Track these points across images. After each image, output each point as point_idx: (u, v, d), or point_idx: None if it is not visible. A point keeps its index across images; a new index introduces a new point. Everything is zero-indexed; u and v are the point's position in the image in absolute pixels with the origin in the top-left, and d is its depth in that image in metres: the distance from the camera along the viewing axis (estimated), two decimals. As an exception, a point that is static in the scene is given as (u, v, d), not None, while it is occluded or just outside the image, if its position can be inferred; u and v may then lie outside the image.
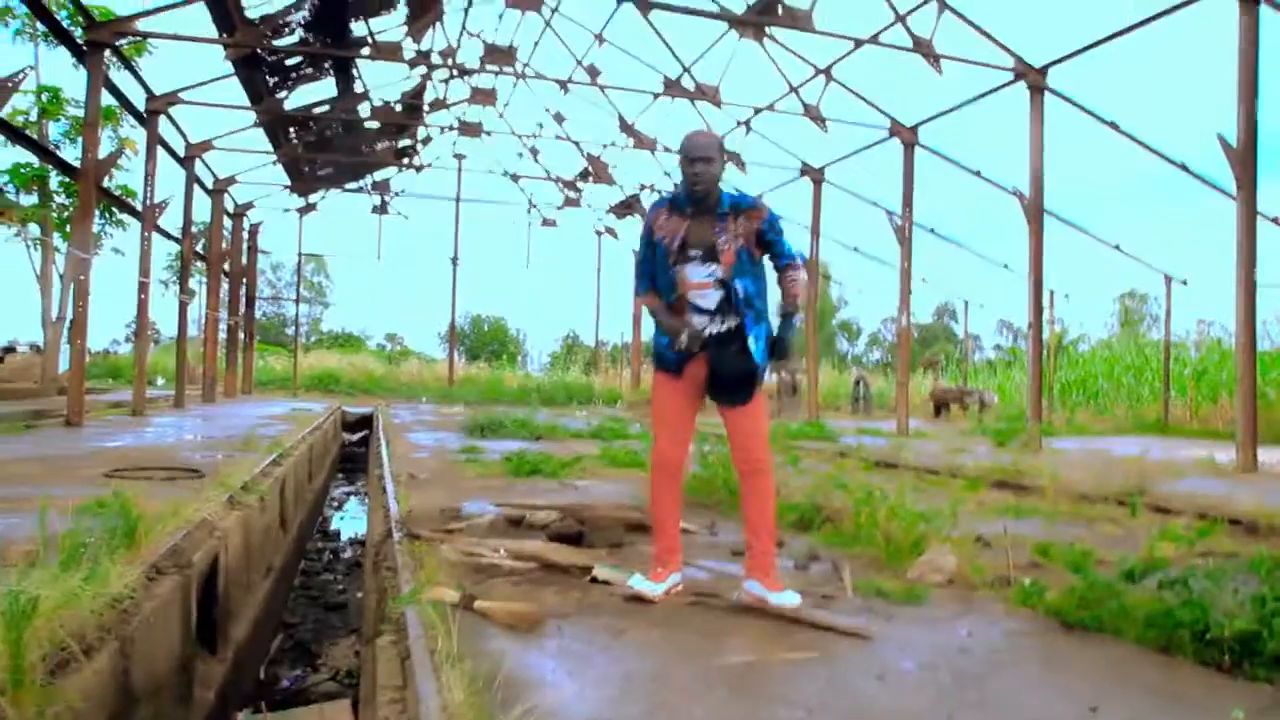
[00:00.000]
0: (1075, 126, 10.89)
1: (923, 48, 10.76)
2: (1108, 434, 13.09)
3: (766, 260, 3.50)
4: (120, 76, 11.85)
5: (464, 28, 14.88)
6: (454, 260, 22.01)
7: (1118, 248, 13.75)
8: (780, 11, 11.11)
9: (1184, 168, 10.69)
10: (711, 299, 3.42)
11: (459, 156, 20.93)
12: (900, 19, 10.84)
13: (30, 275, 16.67)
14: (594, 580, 3.55)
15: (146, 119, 11.28)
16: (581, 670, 2.55)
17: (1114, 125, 10.53)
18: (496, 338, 46.37)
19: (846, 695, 2.40)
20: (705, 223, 3.43)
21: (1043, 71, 10.38)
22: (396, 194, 20.94)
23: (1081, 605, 2.97)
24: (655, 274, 3.56)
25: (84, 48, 9.26)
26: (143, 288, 11.19)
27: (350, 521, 10.40)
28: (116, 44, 9.81)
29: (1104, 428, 14.27)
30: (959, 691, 2.42)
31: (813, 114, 13.46)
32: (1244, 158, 8.02)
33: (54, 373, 14.80)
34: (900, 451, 8.70)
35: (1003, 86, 10.93)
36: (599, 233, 23.40)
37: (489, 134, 18.79)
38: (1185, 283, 14.31)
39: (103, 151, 10.20)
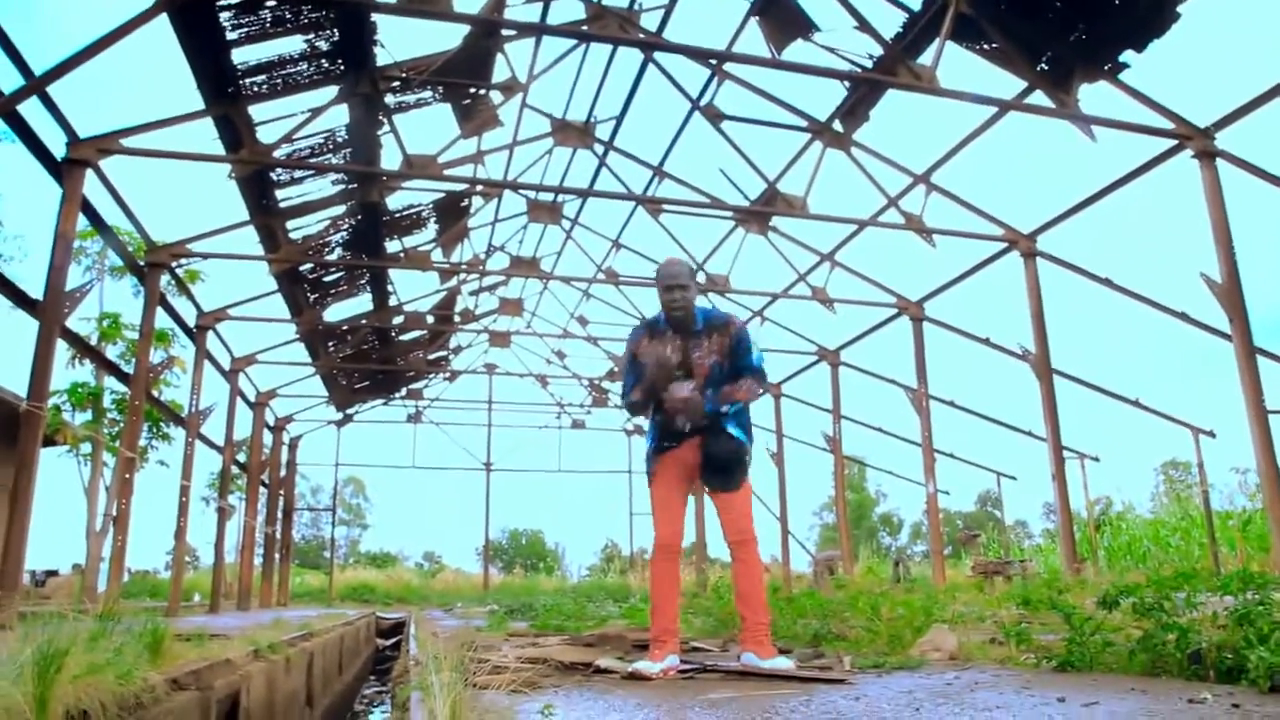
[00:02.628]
0: (1074, 288, 11.31)
1: (914, 224, 11.42)
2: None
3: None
4: (175, 302, 12.85)
5: (490, 242, 16.05)
6: (487, 466, 22.46)
7: (1138, 403, 13.83)
8: (778, 202, 11.97)
9: (1184, 316, 10.95)
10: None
11: (490, 366, 21.83)
12: (893, 202, 11.58)
13: (78, 492, 17.39)
14: (597, 671, 3.61)
15: (195, 334, 12.13)
16: (566, 708, 2.63)
17: (1107, 281, 10.94)
18: (534, 551, 46.03)
19: (824, 711, 2.45)
20: (682, 342, 3.80)
21: (1032, 238, 10.92)
22: (430, 403, 21.73)
23: (1070, 644, 3.01)
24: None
25: (144, 269, 10.18)
26: (184, 490, 11.62)
27: (381, 718, 10.19)
28: (173, 265, 10.76)
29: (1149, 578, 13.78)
30: (929, 699, 2.47)
31: (820, 297, 14.09)
32: (1230, 293, 8.32)
33: (93, 589, 15.03)
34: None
35: (997, 256, 11.46)
36: (628, 431, 23.85)
37: (517, 340, 19.74)
38: (1213, 434, 14.25)
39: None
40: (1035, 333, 10.77)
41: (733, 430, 3.77)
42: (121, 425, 15.76)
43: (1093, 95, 8.56)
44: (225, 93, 8.47)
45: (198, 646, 4.31)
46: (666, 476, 3.83)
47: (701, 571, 21.62)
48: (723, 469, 3.74)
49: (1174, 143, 8.42)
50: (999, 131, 9.58)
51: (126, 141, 7.96)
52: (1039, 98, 8.70)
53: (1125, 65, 8.27)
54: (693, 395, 3.74)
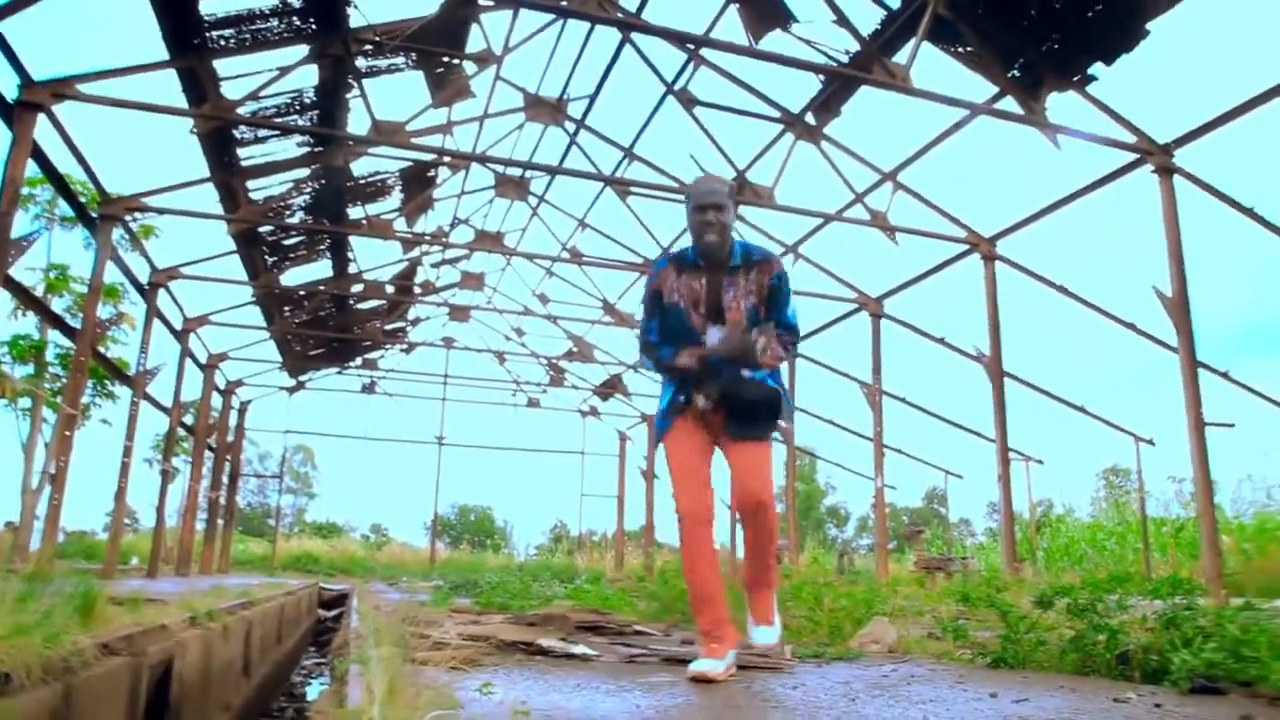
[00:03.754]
0: (1031, 292, 11.48)
1: (879, 221, 11.51)
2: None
3: None
4: (128, 258, 12.55)
5: (455, 214, 15.89)
6: (440, 440, 22.32)
7: (1084, 410, 14.14)
8: (746, 191, 12.00)
9: (1133, 327, 11.21)
10: None
11: (447, 340, 21.66)
12: (859, 198, 11.65)
13: (14, 448, 16.97)
14: (539, 650, 3.61)
15: (147, 290, 11.86)
16: (506, 687, 2.63)
17: (1062, 288, 11.15)
18: (483, 528, 45.93)
19: (761, 696, 2.48)
20: (715, 278, 3.15)
21: (993, 241, 11.07)
22: (385, 374, 21.52)
23: (1005, 642, 3.07)
24: (666, 348, 3.24)
25: (96, 221, 9.92)
26: (127, 451, 11.38)
27: (319, 688, 10.11)
28: (127, 219, 10.50)
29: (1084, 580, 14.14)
30: (866, 691, 2.51)
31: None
32: (1179, 307, 8.51)
33: (25, 548, 14.67)
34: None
35: (958, 257, 11.59)
36: (583, 413, 23.83)
37: (476, 315, 19.59)
38: (1153, 443, 14.62)
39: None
40: (990, 335, 10.93)
41: (762, 377, 3.17)
42: (64, 381, 15.41)
43: (1061, 104, 8.68)
44: (191, 44, 8.27)
45: (132, 611, 4.22)
46: (687, 435, 3.19)
47: (647, 555, 21.76)
48: (750, 413, 3.10)
49: (1135, 157, 8.57)
50: (967, 134, 9.69)
51: (84, 88, 7.73)
52: (1009, 103, 8.81)
53: (1094, 78, 8.40)
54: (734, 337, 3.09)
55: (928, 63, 8.84)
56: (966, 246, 11.31)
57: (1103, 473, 34.70)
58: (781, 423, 3.24)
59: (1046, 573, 16.34)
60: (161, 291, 12.23)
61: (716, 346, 3.10)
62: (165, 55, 8.16)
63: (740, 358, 3.10)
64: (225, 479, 19.10)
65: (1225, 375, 11.77)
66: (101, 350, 11.77)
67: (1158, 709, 2.22)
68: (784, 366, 3.32)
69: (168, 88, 8.60)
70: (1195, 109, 8.20)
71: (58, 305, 15.92)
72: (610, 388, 21.86)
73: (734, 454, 3.16)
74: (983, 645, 3.19)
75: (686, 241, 3.34)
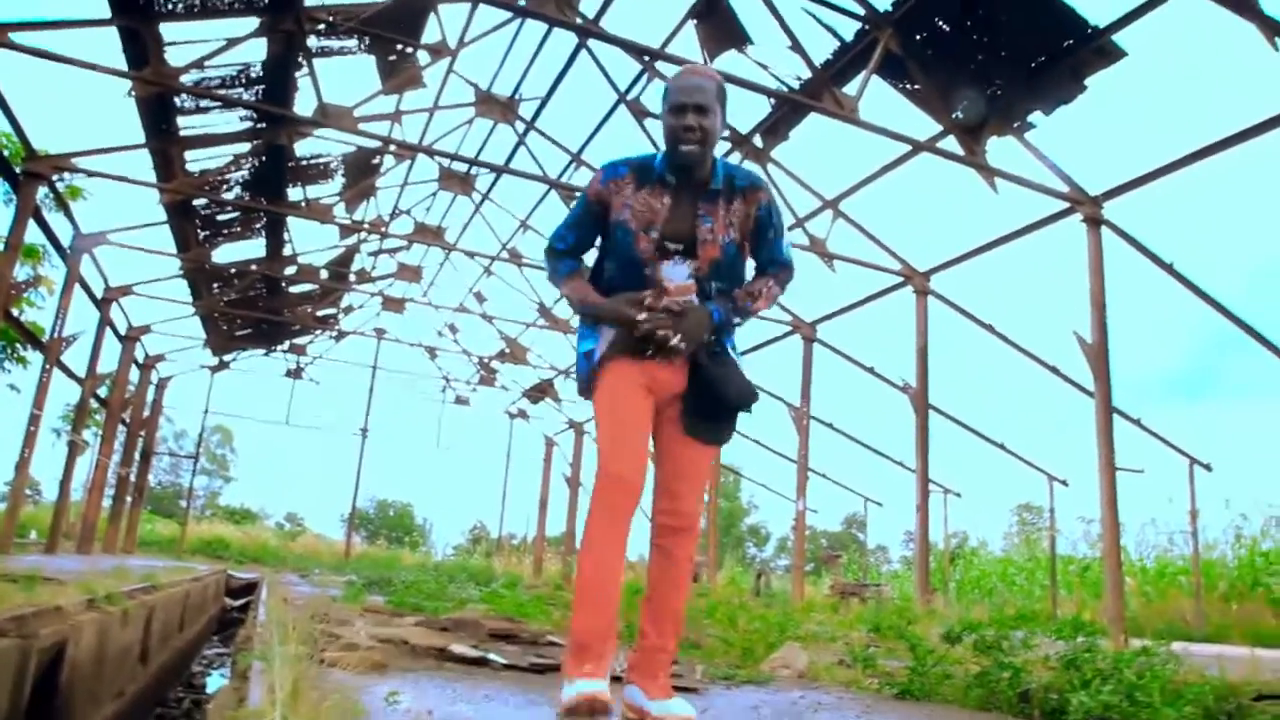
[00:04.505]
0: (959, 328, 11.76)
1: (818, 248, 11.67)
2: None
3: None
4: (51, 218, 12.07)
5: (396, 204, 15.66)
6: (364, 431, 21.94)
7: (1003, 447, 14.54)
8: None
9: (1055, 370, 11.57)
10: None
11: (379, 330, 21.32)
12: (800, 223, 11.80)
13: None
14: (450, 657, 3.56)
15: (69, 254, 11.42)
16: (414, 695, 2.59)
17: (990, 327, 11.44)
18: (401, 524, 45.24)
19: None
20: (686, 203, 2.50)
21: (927, 276, 11.32)
22: (313, 360, 21.08)
23: (913, 673, 3.13)
24: (607, 267, 2.59)
25: (20, 177, 9.53)
26: (34, 419, 10.91)
27: (220, 680, 9.82)
28: (53, 178, 10.10)
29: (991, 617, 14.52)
30: (773, 717, 2.53)
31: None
32: (1098, 354, 8.80)
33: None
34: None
35: (893, 289, 11.81)
36: (511, 415, 23.67)
37: (410, 308, 19.33)
38: (1065, 483, 15.12)
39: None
40: (918, 368, 11.15)
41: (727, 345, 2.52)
42: (-27, 342, 14.74)
43: (1000, 148, 8.93)
44: (136, 4, 8.01)
45: (26, 590, 4.05)
46: (634, 386, 2.45)
47: (566, 562, 21.66)
48: (720, 415, 2.50)
49: (1066, 205, 8.86)
50: (910, 169, 9.89)
51: (17, 36, 7.44)
52: (950, 143, 9.03)
53: (1032, 125, 8.66)
54: (688, 298, 2.45)
55: (876, 96, 9.02)
56: (901, 279, 11.53)
57: (1017, 508, 35.75)
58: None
59: (957, 604, 16.74)
60: (85, 257, 11.80)
61: (668, 334, 2.39)
62: (107, 12, 7.89)
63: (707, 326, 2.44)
64: (137, 455, 18.48)
65: (1138, 423, 12.23)
66: (15, 312, 11.29)
67: (1053, 750, 2.28)
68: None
69: (108, 46, 8.30)
70: (1126, 164, 8.52)
71: (-30, 263, 15.23)
72: (540, 391, 21.75)
73: (677, 453, 2.51)
74: (891, 675, 3.25)
75: None
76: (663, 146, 2.60)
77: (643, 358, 2.46)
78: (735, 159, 10.97)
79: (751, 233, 2.53)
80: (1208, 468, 13.06)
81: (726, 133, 2.65)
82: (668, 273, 2.46)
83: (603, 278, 2.60)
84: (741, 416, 2.59)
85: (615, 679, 2.44)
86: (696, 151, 2.46)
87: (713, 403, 2.47)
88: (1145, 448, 12.52)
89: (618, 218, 2.49)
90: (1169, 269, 8.81)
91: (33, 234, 10.50)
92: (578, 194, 2.80)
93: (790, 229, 11.79)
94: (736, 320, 2.54)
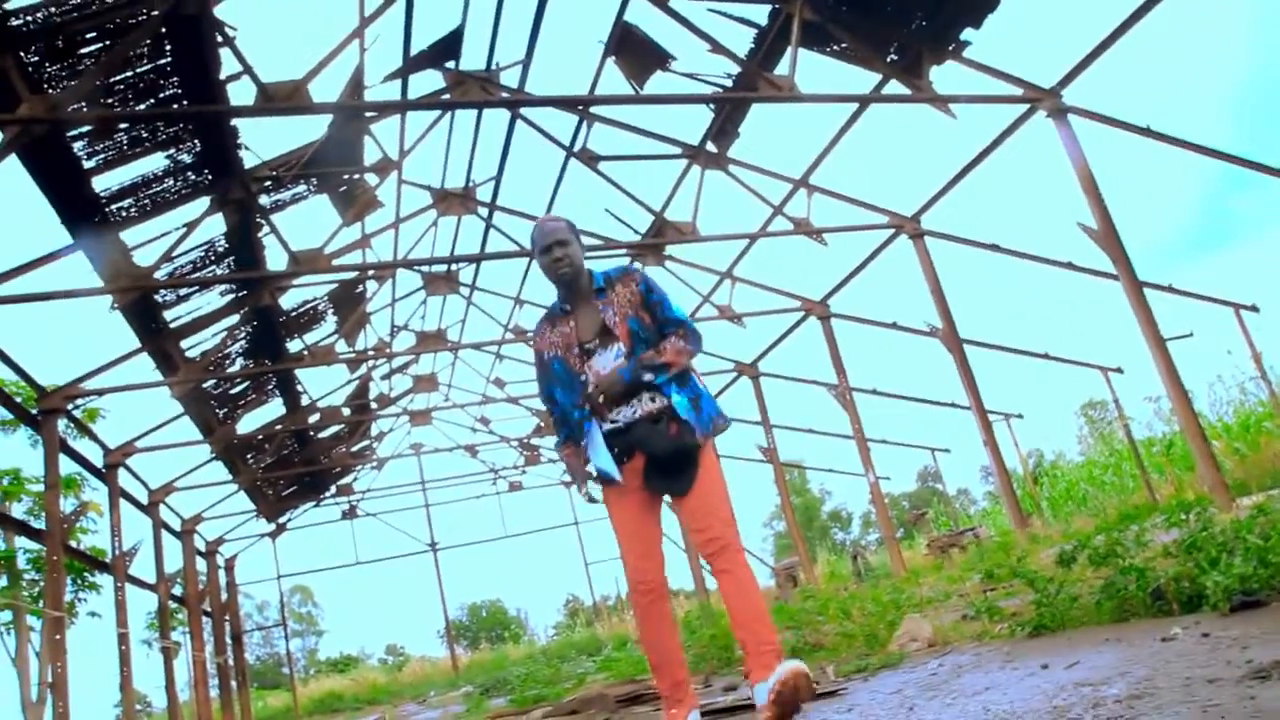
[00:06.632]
0: (967, 259, 11.70)
1: (803, 228, 11.66)
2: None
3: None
4: (78, 445, 12.27)
5: (392, 323, 15.82)
6: (433, 546, 21.96)
7: (1047, 355, 14.37)
8: (668, 231, 12.10)
9: (1070, 265, 11.45)
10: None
11: (416, 446, 21.44)
12: (778, 210, 11.80)
13: (4, 665, 16.35)
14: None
15: (105, 473, 11.59)
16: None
17: (994, 246, 11.36)
18: (497, 622, 45.13)
19: (820, 728, 2.45)
20: (588, 310, 3.11)
21: (915, 219, 11.25)
22: (363, 495, 21.19)
23: (1040, 607, 3.07)
24: (564, 399, 3.12)
25: (38, 418, 9.71)
26: (123, 639, 11.01)
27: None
28: (69, 408, 10.29)
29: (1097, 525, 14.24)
30: (920, 695, 2.48)
31: (727, 314, 14.25)
32: (1107, 236, 8.71)
33: (41, 765, 14.12)
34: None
35: (887, 243, 11.76)
36: (565, 484, 23.65)
37: (438, 415, 19.45)
38: (1120, 370, 14.89)
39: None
40: (938, 308, 11.06)
41: (685, 412, 2.99)
42: (42, 585, 14.93)
43: (946, 76, 8.92)
44: (93, 221, 8.19)
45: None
46: (622, 494, 3.05)
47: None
48: (664, 468, 2.96)
49: (1026, 106, 8.81)
50: (868, 124, 9.90)
51: (-4, 290, 7.62)
52: (895, 87, 9.03)
53: (967, 43, 8.65)
54: (613, 370, 2.99)
55: (810, 67, 9.06)
56: (892, 230, 11.47)
57: (1081, 410, 35.13)
58: (717, 428, 3.11)
59: (1055, 521, 16.44)
60: (121, 470, 11.96)
61: (591, 393, 3.00)
62: (69, 239, 8.07)
63: (634, 383, 2.98)
64: (228, 640, 18.56)
65: (1170, 288, 12.06)
66: (73, 544, 11.45)
67: (1206, 639, 2.22)
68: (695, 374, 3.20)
69: (81, 269, 8.49)
70: (1075, 48, 8.48)
71: (17, 510, 15.48)
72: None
73: (683, 506, 3.04)
74: (1018, 615, 3.18)
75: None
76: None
77: (618, 462, 3.03)
78: (695, 172, 11.05)
79: (643, 306, 3.10)
80: (1255, 309, 12.84)
81: (586, 252, 3.35)
82: (596, 365, 3.07)
83: (566, 405, 3.15)
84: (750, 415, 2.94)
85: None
86: (569, 272, 3.09)
87: (648, 461, 3.00)
88: (1186, 311, 12.36)
89: (549, 355, 3.14)
90: (1147, 131, 8.74)
91: (67, 465, 10.69)
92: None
93: (771, 219, 11.82)
94: (649, 376, 3.01)
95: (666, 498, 3.11)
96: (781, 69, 8.73)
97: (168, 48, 7.05)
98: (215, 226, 9.36)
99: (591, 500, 3.10)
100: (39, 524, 12.31)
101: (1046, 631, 3.04)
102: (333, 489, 20.68)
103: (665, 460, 2.94)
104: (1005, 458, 11.47)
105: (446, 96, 8.60)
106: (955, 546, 16.83)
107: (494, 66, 9.25)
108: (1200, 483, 9.33)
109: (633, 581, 3.02)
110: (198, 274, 9.95)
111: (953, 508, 23.43)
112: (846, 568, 20.72)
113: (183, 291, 10.11)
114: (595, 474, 3.09)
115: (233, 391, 13.35)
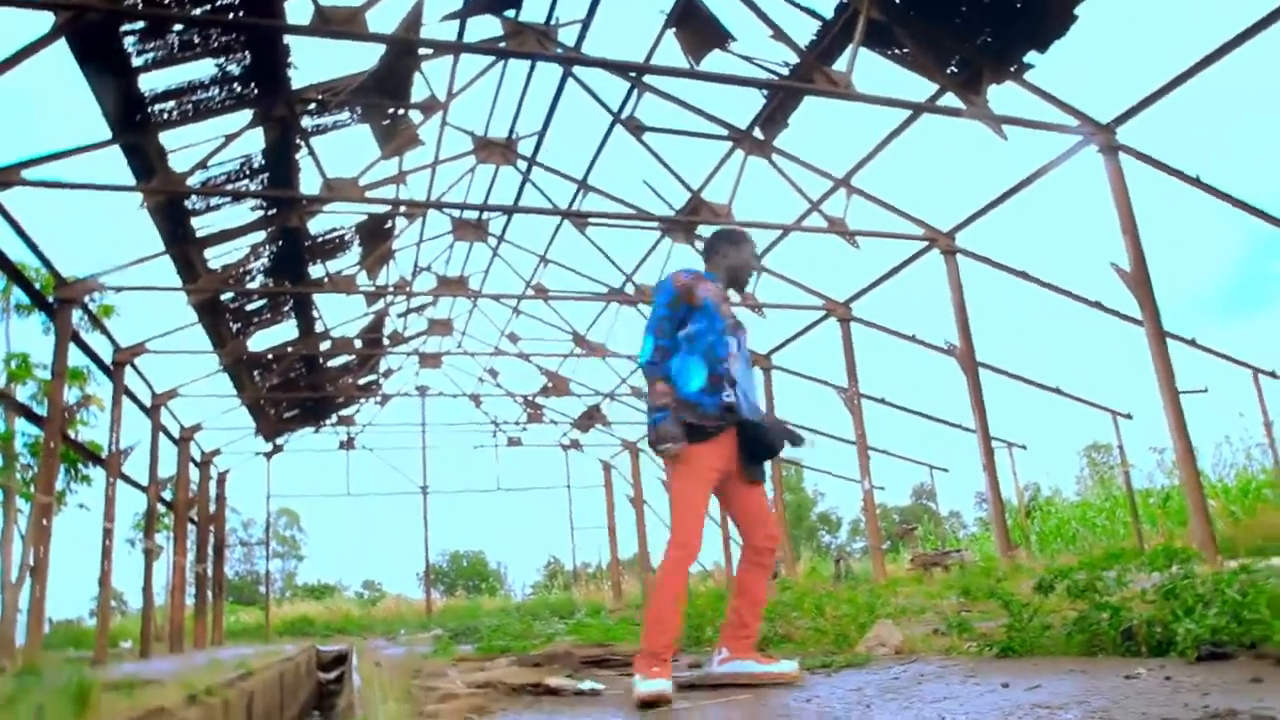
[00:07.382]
0: (994, 282, 11.60)
1: (837, 227, 11.60)
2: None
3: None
4: (89, 338, 12.40)
5: (416, 263, 15.86)
6: (424, 489, 22.14)
7: (1059, 391, 14.29)
8: (703, 211, 12.07)
9: (1099, 305, 11.36)
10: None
11: (421, 388, 21.55)
12: (815, 206, 11.74)
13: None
14: (547, 691, 3.57)
15: (112, 370, 11.71)
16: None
17: (1025, 274, 11.27)
18: (476, 572, 45.48)
19: (776, 712, 2.47)
20: (727, 302, 3.54)
21: (951, 235, 11.18)
22: (362, 428, 21.35)
23: (1011, 630, 3.08)
24: (706, 344, 3.31)
25: (54, 306, 9.81)
26: (107, 534, 11.19)
27: (325, 756, 9.94)
28: (85, 300, 10.39)
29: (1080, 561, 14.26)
30: (879, 696, 2.50)
31: (749, 303, 14.24)
32: (1139, 280, 8.63)
33: (10, 644, 14.35)
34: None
35: (919, 254, 11.68)
36: (565, 447, 23.75)
37: (448, 360, 19.53)
38: (1130, 416, 14.80)
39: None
40: (959, 327, 11.01)
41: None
42: (36, 470, 15.13)
43: (1002, 96, 8.81)
44: (134, 120, 8.22)
45: (128, 696, 4.13)
46: (709, 469, 3.22)
47: (644, 582, 21.61)
48: (769, 452, 3.40)
49: (1080, 138, 8.71)
50: (916, 133, 9.79)
51: (29, 174, 7.67)
52: (950, 99, 8.94)
53: (1030, 66, 8.54)
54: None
55: (868, 67, 8.98)
56: (926, 243, 11.40)
57: (1084, 450, 34.96)
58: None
59: (1041, 556, 16.44)
60: (128, 369, 12.09)
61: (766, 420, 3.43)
62: (108, 134, 8.11)
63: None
64: (210, 551, 18.81)
65: (1192, 342, 11.95)
66: (71, 434, 11.60)
67: (1169, 681, 2.23)
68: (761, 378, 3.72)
69: (115, 165, 8.53)
70: (1135, 87, 8.36)
71: (22, 394, 15.68)
72: (589, 419, 21.81)
73: (747, 496, 3.35)
74: (988, 636, 3.20)
75: (650, 271, 3.76)
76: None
77: (716, 432, 3.22)
78: (739, 156, 10.99)
79: None
80: (1274, 375, 12.74)
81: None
82: (731, 344, 3.44)
83: (706, 350, 3.38)
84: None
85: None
86: (747, 280, 3.77)
87: (758, 442, 3.30)
88: (1205, 366, 12.25)
89: (714, 303, 3.44)
90: (1195, 182, 8.63)
91: (75, 357, 10.81)
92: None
93: (806, 213, 11.76)
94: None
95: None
96: (839, 65, 8.65)
97: (231, -46, 7.06)
98: (254, 142, 9.39)
99: (673, 443, 3.10)
100: (41, 410, 12.45)
101: (1014, 654, 3.06)
102: (334, 417, 20.83)
103: (769, 450, 3.37)
104: (1003, 486, 11.45)
105: (502, 45, 8.57)
106: (938, 565, 16.85)
107: (553, 21, 9.20)
108: (1190, 537, 9.29)
109: (686, 548, 3.17)
110: (231, 185, 9.99)
111: (942, 528, 23.44)
112: (829, 570, 20.82)
113: (213, 201, 10.16)
114: (691, 426, 3.17)
115: (249, 308, 13.44)
